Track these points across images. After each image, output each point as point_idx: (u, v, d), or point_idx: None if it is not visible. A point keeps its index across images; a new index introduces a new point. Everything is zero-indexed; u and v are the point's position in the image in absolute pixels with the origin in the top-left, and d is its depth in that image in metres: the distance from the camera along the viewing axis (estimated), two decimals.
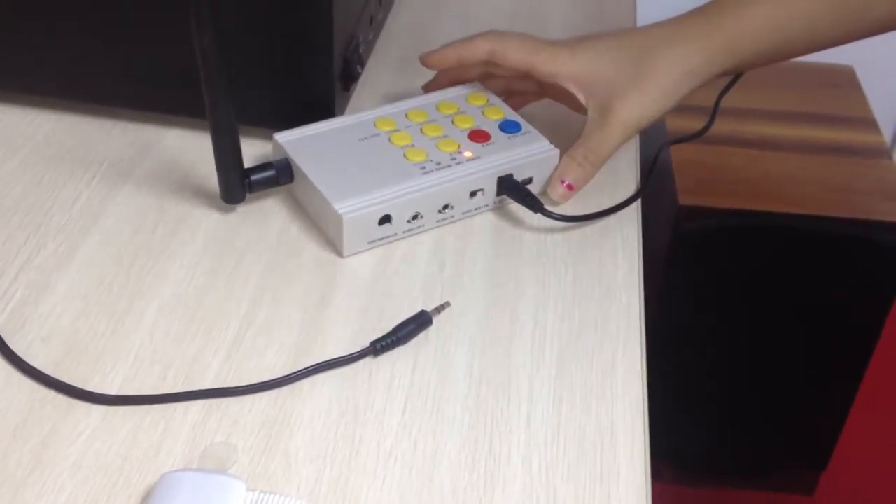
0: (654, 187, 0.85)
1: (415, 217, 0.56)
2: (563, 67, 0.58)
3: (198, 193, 0.58)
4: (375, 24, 0.70)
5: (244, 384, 0.47)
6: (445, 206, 0.56)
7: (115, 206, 0.57)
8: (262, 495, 0.41)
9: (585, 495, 0.44)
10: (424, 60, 0.62)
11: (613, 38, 0.59)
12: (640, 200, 0.60)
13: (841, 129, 1.26)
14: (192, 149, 0.62)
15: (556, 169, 0.58)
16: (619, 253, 0.57)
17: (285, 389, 0.47)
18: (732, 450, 1.24)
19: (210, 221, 0.57)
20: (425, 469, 0.44)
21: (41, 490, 0.42)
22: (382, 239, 0.55)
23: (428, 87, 0.64)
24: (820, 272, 1.14)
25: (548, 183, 0.58)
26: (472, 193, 0.57)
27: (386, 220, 0.55)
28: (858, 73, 1.32)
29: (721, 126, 0.71)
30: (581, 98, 0.58)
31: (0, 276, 0.52)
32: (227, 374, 0.48)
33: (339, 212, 0.53)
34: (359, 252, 0.55)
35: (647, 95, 0.57)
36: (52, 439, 0.44)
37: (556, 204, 0.58)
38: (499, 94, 0.62)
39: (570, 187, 0.57)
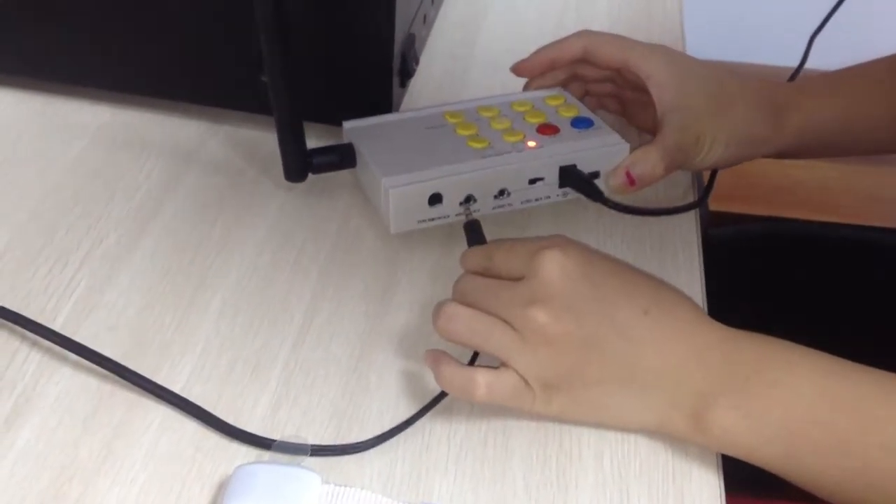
0: None
1: (468, 200, 0.55)
2: (655, 70, 0.57)
3: (257, 185, 0.58)
4: (428, 22, 0.70)
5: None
6: (502, 192, 0.55)
7: (175, 198, 0.57)
8: (337, 488, 0.41)
9: (659, 493, 0.43)
10: (516, 70, 0.61)
11: (705, 69, 0.58)
12: (699, 212, 0.60)
13: None
14: (249, 141, 0.62)
15: (624, 159, 0.56)
16: (680, 256, 0.56)
17: (352, 381, 0.47)
18: None
19: (270, 213, 0.56)
20: (497, 464, 0.44)
21: (114, 480, 0.42)
22: (433, 220, 0.54)
23: (520, 67, 0.62)
24: (850, 280, 1.14)
25: (611, 171, 0.56)
26: (532, 181, 0.56)
27: (437, 199, 0.54)
28: None
29: None
30: (659, 107, 0.57)
31: (64, 266, 0.52)
32: (294, 365, 0.48)
33: (386, 185, 0.53)
34: (409, 230, 0.54)
35: (720, 138, 0.56)
36: (122, 429, 0.44)
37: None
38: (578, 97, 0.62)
39: (632, 181, 0.55)
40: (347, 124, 0.58)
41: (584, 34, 0.60)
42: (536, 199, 0.57)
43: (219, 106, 0.63)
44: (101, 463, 0.43)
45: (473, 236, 0.52)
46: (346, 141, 0.58)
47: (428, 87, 0.68)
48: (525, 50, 0.72)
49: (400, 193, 0.53)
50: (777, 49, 0.87)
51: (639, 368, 0.44)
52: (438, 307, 0.46)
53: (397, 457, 0.44)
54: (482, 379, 0.44)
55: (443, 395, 0.46)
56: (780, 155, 0.59)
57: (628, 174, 0.55)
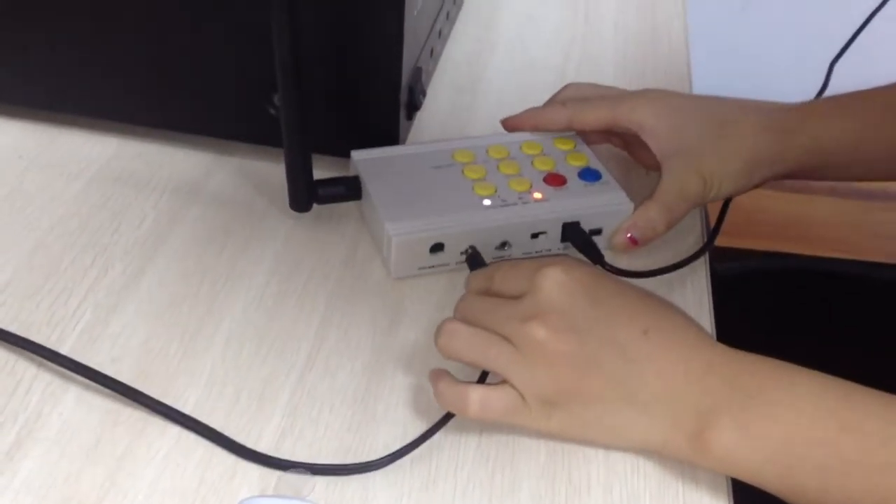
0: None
1: (472, 251, 0.54)
2: (644, 120, 0.57)
3: (264, 216, 0.58)
4: (435, 56, 0.70)
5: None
6: (504, 244, 0.55)
7: (182, 228, 0.57)
8: None
9: None
10: (504, 124, 0.61)
11: (697, 102, 0.59)
12: (707, 253, 0.59)
13: None
14: (256, 173, 0.62)
15: (626, 220, 0.56)
16: (689, 302, 0.55)
17: (359, 412, 0.47)
18: None
19: (277, 243, 0.56)
20: (505, 499, 0.43)
21: None
22: (433, 267, 0.55)
23: (507, 123, 0.62)
24: (855, 316, 1.13)
25: (614, 233, 0.56)
26: (535, 235, 0.56)
27: (438, 248, 0.54)
28: None
29: None
30: (656, 152, 0.57)
31: (69, 296, 0.52)
32: (301, 396, 0.47)
33: (390, 232, 0.53)
34: (409, 276, 0.54)
35: (724, 166, 0.56)
36: (126, 461, 0.43)
37: (618, 256, 0.57)
38: None
39: (634, 241, 0.55)
40: (356, 154, 0.58)
41: (569, 103, 0.60)
42: (537, 252, 0.57)
43: (225, 138, 0.63)
44: (104, 495, 0.42)
45: (475, 263, 0.53)
46: (352, 170, 0.58)
47: (434, 119, 0.68)
48: (532, 84, 0.73)
49: (403, 242, 0.53)
50: (788, 82, 0.87)
51: (639, 388, 0.43)
52: (439, 326, 0.46)
53: (403, 491, 0.43)
54: (475, 395, 0.44)
55: (450, 415, 0.45)
56: (791, 175, 0.59)
57: (630, 236, 0.55)
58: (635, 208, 0.56)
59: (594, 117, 0.59)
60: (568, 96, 0.61)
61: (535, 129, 0.60)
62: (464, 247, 0.54)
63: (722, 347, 0.45)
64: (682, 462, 0.44)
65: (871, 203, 1.18)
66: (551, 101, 0.61)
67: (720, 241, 1.20)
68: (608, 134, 0.62)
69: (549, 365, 0.43)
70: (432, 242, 0.54)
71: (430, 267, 0.55)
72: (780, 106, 0.59)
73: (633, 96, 0.59)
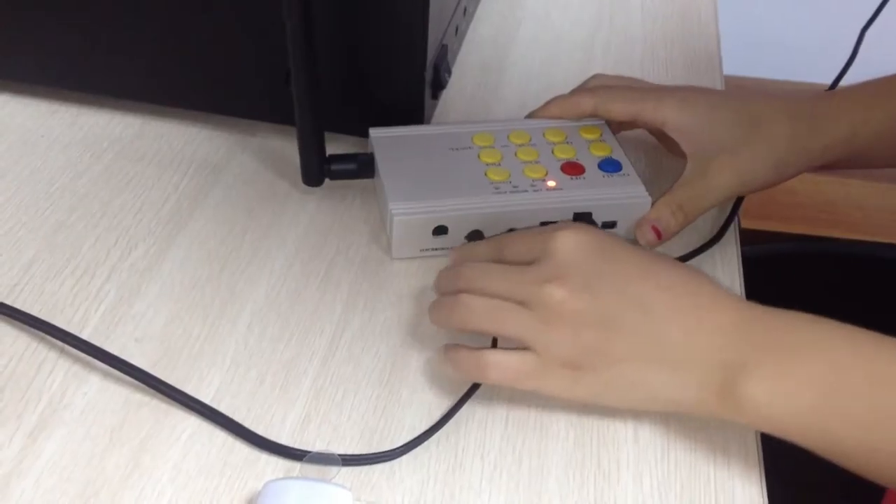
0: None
1: (475, 234, 0.53)
2: (670, 117, 0.56)
3: (287, 197, 0.58)
4: (460, 35, 0.69)
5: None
6: (510, 231, 0.53)
7: (204, 210, 0.56)
8: None
9: None
10: (530, 117, 0.60)
11: (726, 98, 0.57)
12: (737, 234, 0.58)
13: None
14: (278, 153, 0.61)
15: (647, 213, 0.54)
16: (719, 272, 0.55)
17: (384, 395, 0.46)
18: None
19: (300, 225, 0.56)
20: (533, 485, 0.43)
21: (140, 494, 0.41)
22: (436, 250, 0.53)
23: (534, 116, 0.60)
24: (884, 296, 1.12)
25: (636, 225, 0.54)
26: (544, 224, 0.54)
27: (441, 230, 0.53)
28: None
29: None
30: (685, 149, 0.56)
31: (91, 277, 0.51)
32: (325, 379, 0.47)
33: (392, 211, 0.52)
34: (409, 257, 0.53)
35: (758, 161, 0.55)
36: (150, 442, 0.43)
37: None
38: None
39: (658, 234, 0.54)
40: (374, 131, 0.57)
41: (596, 91, 0.59)
42: None
43: (248, 117, 0.62)
44: (128, 476, 0.42)
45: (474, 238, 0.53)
46: (370, 149, 0.57)
47: (460, 98, 0.67)
48: (559, 62, 0.71)
49: (404, 221, 0.52)
50: (818, 55, 0.85)
51: (664, 344, 0.42)
52: (441, 301, 0.45)
53: (429, 475, 0.43)
54: (493, 357, 0.43)
55: (471, 391, 0.45)
56: (828, 167, 0.57)
57: (654, 228, 0.54)
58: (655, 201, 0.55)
59: (621, 107, 0.58)
60: (595, 85, 0.60)
61: (560, 115, 0.59)
62: (468, 231, 0.53)
63: (750, 303, 0.44)
64: (713, 419, 0.43)
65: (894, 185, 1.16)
66: (579, 89, 0.60)
67: (746, 224, 1.18)
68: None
69: (570, 325, 0.43)
70: (435, 224, 0.53)
71: (432, 249, 0.53)
72: (813, 95, 0.57)
73: (661, 92, 0.58)
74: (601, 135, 0.59)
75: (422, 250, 0.53)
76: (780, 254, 1.08)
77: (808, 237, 1.08)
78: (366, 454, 0.43)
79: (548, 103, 0.60)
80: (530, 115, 0.60)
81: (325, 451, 0.43)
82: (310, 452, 0.42)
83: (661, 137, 0.61)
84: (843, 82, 0.64)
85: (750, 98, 0.57)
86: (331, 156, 0.56)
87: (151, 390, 0.45)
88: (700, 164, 0.55)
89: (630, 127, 0.61)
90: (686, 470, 0.44)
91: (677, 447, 0.45)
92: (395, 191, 0.53)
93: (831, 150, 0.56)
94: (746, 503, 0.42)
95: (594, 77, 0.61)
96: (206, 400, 0.45)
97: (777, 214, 1.10)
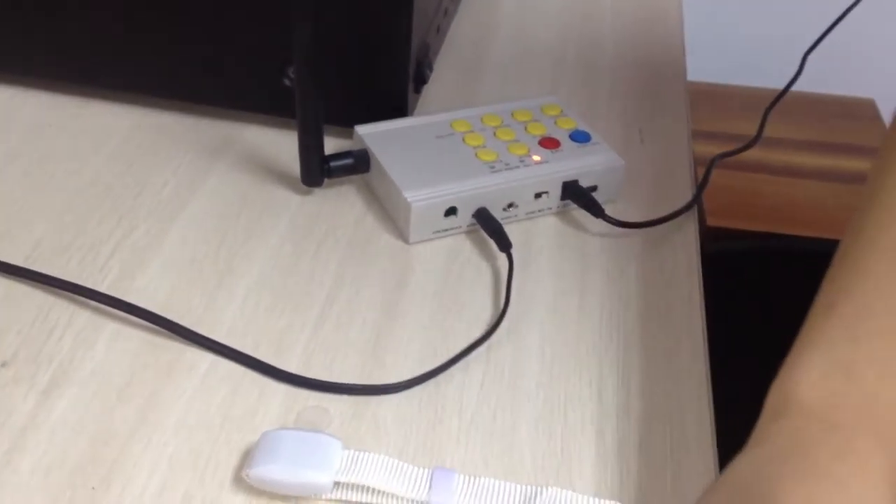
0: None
1: (482, 211, 0.58)
2: None
3: (279, 184, 0.62)
4: (441, 33, 0.74)
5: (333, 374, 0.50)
6: (510, 205, 0.59)
7: (202, 193, 0.60)
8: (357, 453, 0.44)
9: (657, 465, 0.46)
10: None
11: None
12: (696, 209, 0.63)
13: (862, 158, 1.30)
14: (271, 144, 0.65)
15: None
16: (679, 251, 0.59)
17: (369, 362, 0.50)
18: None
19: (291, 210, 0.60)
20: (505, 437, 0.47)
21: (147, 445, 0.45)
22: (447, 230, 0.58)
23: None
24: None
25: None
26: (538, 195, 0.60)
27: (452, 212, 0.58)
28: (879, 105, 1.36)
29: (748, 153, 0.74)
30: None
31: (97, 254, 0.55)
32: (315, 346, 0.51)
33: (409, 200, 0.57)
34: (424, 240, 0.58)
35: None
36: (154, 400, 0.47)
37: (615, 209, 0.61)
38: None
39: None
40: (360, 128, 0.61)
41: None
42: (539, 211, 0.61)
43: (243, 109, 0.66)
44: (135, 430, 0.45)
45: (484, 219, 0.58)
46: (356, 144, 0.61)
47: (440, 93, 0.72)
48: (532, 62, 0.75)
49: (421, 207, 0.57)
50: (774, 70, 0.90)
51: None
52: None
53: (412, 430, 0.47)
54: None
55: (467, 351, 0.50)
56: None
57: None
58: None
59: None
60: None
61: None
62: (473, 209, 0.58)
63: None
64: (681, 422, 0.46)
65: (856, 186, 1.22)
66: None
67: (712, 221, 1.23)
68: None
69: None
70: (447, 206, 0.57)
71: (443, 230, 0.58)
72: None
73: None
74: (562, 111, 0.65)
75: (434, 232, 0.58)
76: (744, 250, 1.14)
77: (769, 234, 1.13)
78: (367, 384, 0.48)
79: None
80: None
81: (318, 406, 0.47)
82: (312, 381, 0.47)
83: None
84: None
85: None
86: (328, 155, 0.60)
87: (156, 351, 0.49)
88: None
89: None
90: (644, 427, 0.48)
91: (637, 403, 0.49)
92: (405, 182, 0.58)
93: None
94: (699, 454, 0.47)
95: None
96: (205, 365, 0.49)
97: (741, 213, 1.15)
